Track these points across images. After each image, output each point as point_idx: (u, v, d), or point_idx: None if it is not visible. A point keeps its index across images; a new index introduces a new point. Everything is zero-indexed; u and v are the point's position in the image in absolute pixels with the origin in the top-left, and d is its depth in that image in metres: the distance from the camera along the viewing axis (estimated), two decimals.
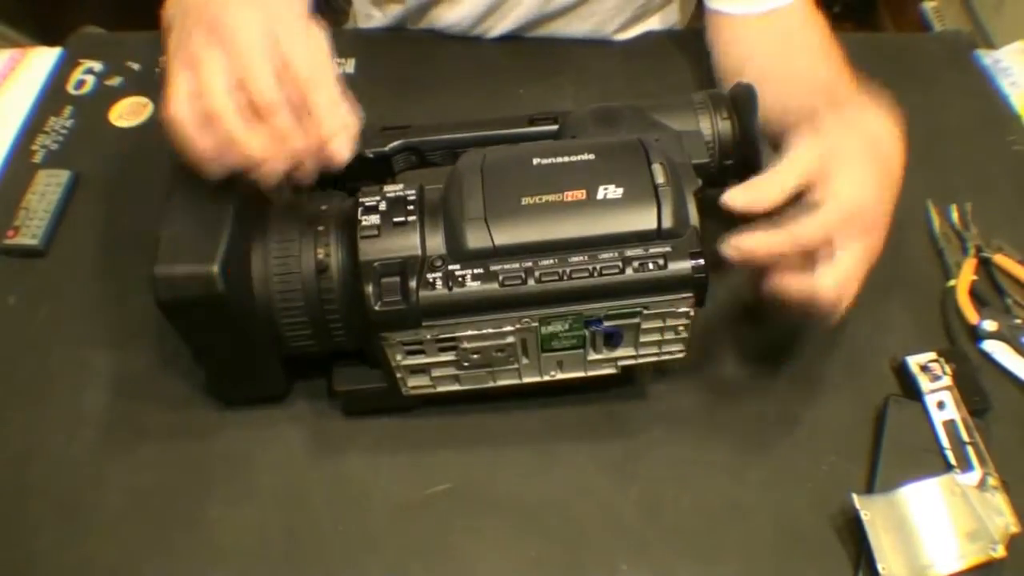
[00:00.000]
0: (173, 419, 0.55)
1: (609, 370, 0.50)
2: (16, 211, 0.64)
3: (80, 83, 0.75)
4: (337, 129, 0.43)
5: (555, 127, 0.54)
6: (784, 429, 0.54)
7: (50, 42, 0.80)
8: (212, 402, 0.55)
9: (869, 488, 0.51)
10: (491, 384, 0.51)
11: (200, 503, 0.51)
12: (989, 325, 0.58)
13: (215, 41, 0.42)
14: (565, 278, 0.44)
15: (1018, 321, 0.58)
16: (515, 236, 0.45)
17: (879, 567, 0.46)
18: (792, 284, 0.48)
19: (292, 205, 0.50)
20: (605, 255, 0.45)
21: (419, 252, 0.46)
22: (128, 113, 0.73)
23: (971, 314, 0.58)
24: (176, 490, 0.52)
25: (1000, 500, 0.48)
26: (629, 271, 0.44)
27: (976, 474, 0.50)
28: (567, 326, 0.47)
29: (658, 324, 0.47)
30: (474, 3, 0.75)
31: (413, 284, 0.45)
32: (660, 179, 0.45)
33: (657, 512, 0.51)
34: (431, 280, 0.45)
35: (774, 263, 0.48)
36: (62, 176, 0.67)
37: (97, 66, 0.77)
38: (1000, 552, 0.46)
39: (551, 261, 0.45)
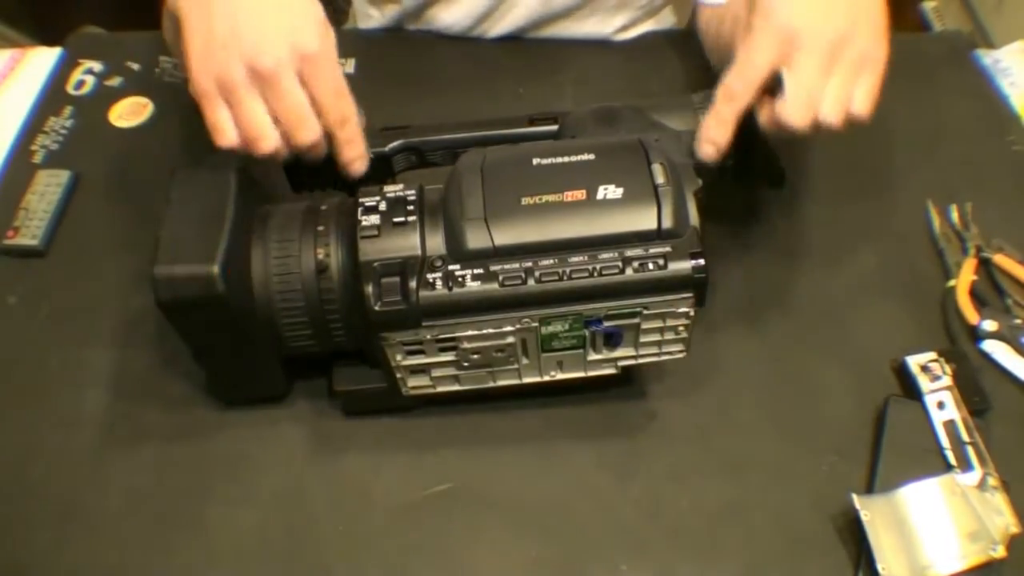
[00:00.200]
0: (173, 419, 0.55)
1: (609, 370, 0.50)
2: (16, 211, 0.64)
3: (80, 83, 0.75)
4: (354, 159, 0.50)
5: (555, 127, 0.54)
6: (784, 429, 0.54)
7: (50, 42, 0.80)
8: (212, 402, 0.55)
9: (869, 488, 0.51)
10: (491, 384, 0.51)
11: (200, 503, 0.51)
12: (989, 325, 0.58)
13: (255, 80, 0.45)
14: (565, 278, 0.44)
15: (1018, 321, 0.58)
16: (515, 236, 0.45)
17: (879, 567, 0.46)
18: (763, 120, 0.49)
19: (292, 205, 0.50)
20: (605, 255, 0.45)
21: (419, 252, 0.46)
22: (128, 113, 0.73)
23: (971, 314, 0.58)
24: (176, 490, 0.52)
25: (1000, 500, 0.48)
26: (629, 271, 0.44)
27: (976, 474, 0.50)
28: (567, 326, 0.47)
29: (658, 324, 0.47)
30: (471, 4, 0.75)
31: (413, 284, 0.45)
32: (660, 179, 0.45)
33: (657, 512, 0.51)
34: (431, 280, 0.45)
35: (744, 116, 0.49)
36: (62, 176, 0.67)
37: (97, 66, 0.77)
38: (1000, 552, 0.46)
39: (551, 261, 0.45)
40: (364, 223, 0.46)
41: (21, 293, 0.61)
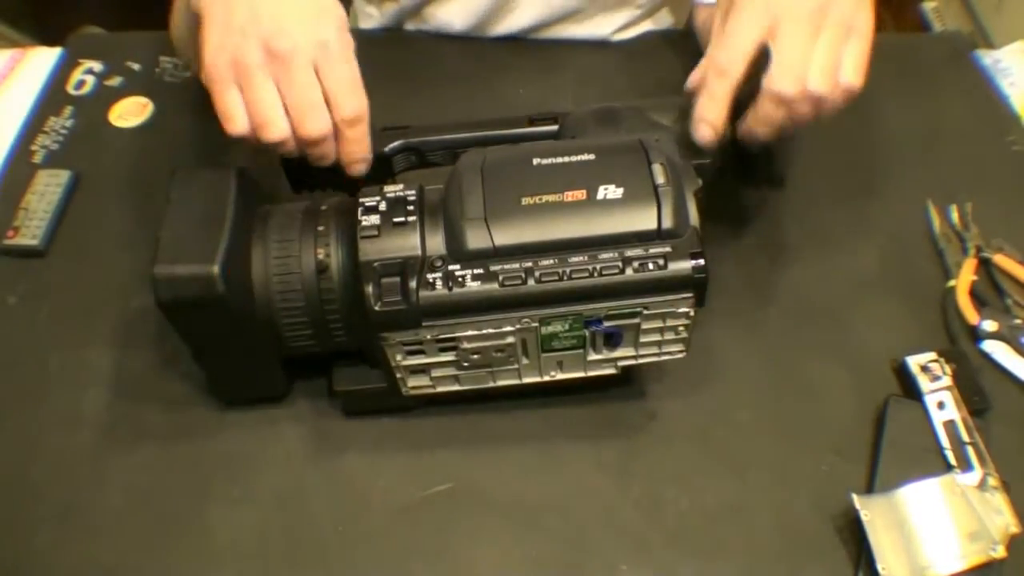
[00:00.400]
0: (173, 419, 0.55)
1: (609, 370, 0.50)
2: (16, 211, 0.64)
3: (80, 83, 0.75)
4: (359, 160, 0.50)
5: (555, 127, 0.54)
6: (784, 429, 0.54)
7: (50, 42, 0.80)
8: (212, 402, 0.55)
9: (869, 488, 0.51)
10: (491, 384, 0.51)
11: (200, 503, 0.51)
12: (989, 325, 0.58)
13: (270, 61, 0.45)
14: (565, 278, 0.44)
15: (1018, 321, 0.58)
16: (515, 236, 0.45)
17: (879, 567, 0.46)
18: (753, 122, 0.50)
19: (292, 205, 0.50)
20: (605, 255, 0.45)
21: (419, 252, 0.46)
22: (128, 113, 0.73)
23: (971, 314, 0.58)
24: (176, 490, 0.52)
25: (1000, 500, 0.48)
26: (629, 271, 0.44)
27: (976, 474, 0.50)
28: (567, 326, 0.47)
29: (658, 324, 0.47)
30: (470, 3, 0.75)
31: (413, 284, 0.45)
32: (660, 179, 0.45)
33: (657, 512, 0.51)
34: (431, 280, 0.45)
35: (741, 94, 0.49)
36: (62, 176, 0.67)
37: (97, 66, 0.77)
38: (1000, 552, 0.46)
39: (551, 261, 0.45)
40: (364, 223, 0.46)
41: (21, 293, 0.61)
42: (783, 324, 0.59)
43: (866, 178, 0.68)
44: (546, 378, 0.51)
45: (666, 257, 0.44)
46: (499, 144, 0.50)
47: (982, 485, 0.49)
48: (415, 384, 0.51)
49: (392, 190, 0.47)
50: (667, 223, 0.45)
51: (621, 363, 0.50)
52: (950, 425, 0.52)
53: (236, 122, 0.46)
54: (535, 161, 0.46)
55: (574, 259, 0.45)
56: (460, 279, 0.45)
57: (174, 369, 0.56)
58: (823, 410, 0.55)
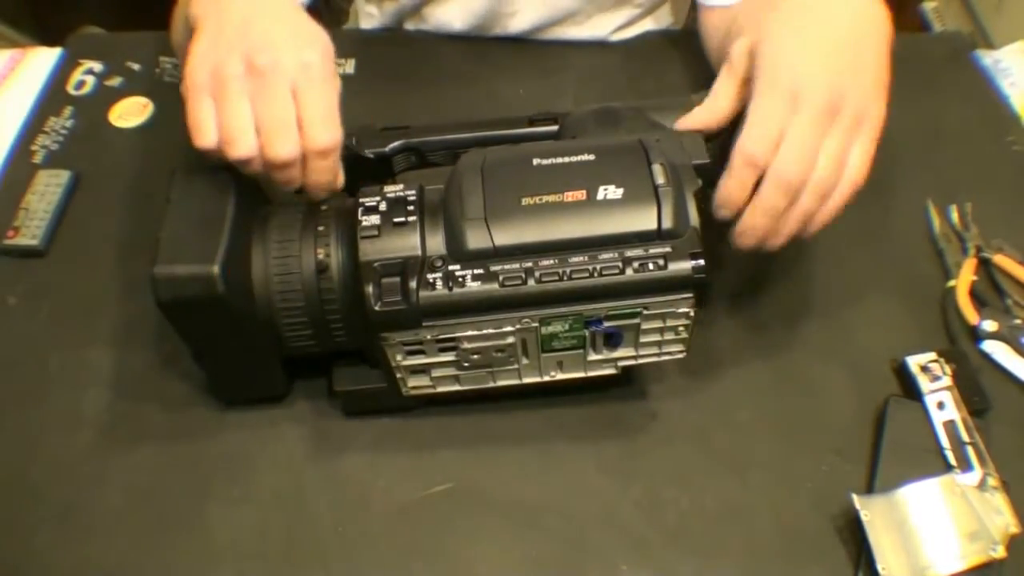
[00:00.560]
0: (173, 419, 0.55)
1: (609, 370, 0.50)
2: (16, 211, 0.64)
3: (80, 83, 0.75)
4: (324, 189, 0.49)
5: (555, 127, 0.54)
6: (784, 429, 0.54)
7: (50, 42, 0.80)
8: (212, 402, 0.55)
9: (869, 488, 0.51)
10: (491, 384, 0.51)
11: (200, 503, 0.51)
12: (989, 325, 0.58)
13: (249, 75, 0.45)
14: (565, 278, 0.44)
15: (1018, 321, 0.58)
16: (515, 236, 0.45)
17: (879, 567, 0.46)
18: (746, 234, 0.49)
19: (292, 205, 0.50)
20: (605, 255, 0.45)
21: (419, 252, 0.46)
22: (128, 113, 0.73)
23: (971, 314, 0.58)
24: (176, 490, 0.52)
25: (1000, 500, 0.48)
26: (629, 271, 0.44)
27: (976, 474, 0.50)
28: (567, 326, 0.47)
29: (658, 324, 0.47)
30: (469, 4, 0.75)
31: (413, 284, 0.45)
32: (660, 179, 0.45)
33: (657, 512, 0.51)
34: (431, 280, 0.45)
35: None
36: (62, 176, 0.67)
37: (97, 66, 0.77)
38: (1000, 552, 0.46)
39: (551, 261, 0.45)
40: (364, 223, 0.46)
41: (21, 293, 0.61)
42: (783, 324, 0.59)
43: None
44: (546, 378, 0.51)
45: (666, 257, 0.44)
46: (499, 144, 0.50)
47: (982, 485, 0.49)
48: (415, 384, 0.51)
49: (392, 190, 0.47)
50: (667, 223, 0.45)
51: (621, 363, 0.50)
52: (950, 425, 0.52)
53: (204, 134, 0.45)
54: (535, 161, 0.47)
55: (574, 259, 0.45)
56: (460, 279, 0.45)
57: (174, 369, 0.56)
58: (823, 410, 0.55)
